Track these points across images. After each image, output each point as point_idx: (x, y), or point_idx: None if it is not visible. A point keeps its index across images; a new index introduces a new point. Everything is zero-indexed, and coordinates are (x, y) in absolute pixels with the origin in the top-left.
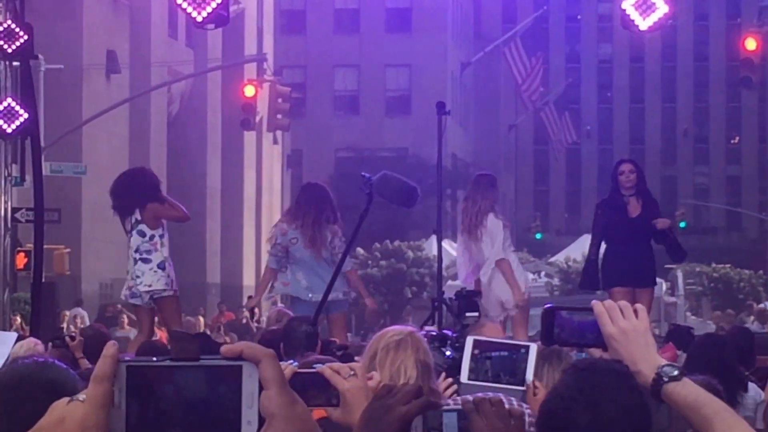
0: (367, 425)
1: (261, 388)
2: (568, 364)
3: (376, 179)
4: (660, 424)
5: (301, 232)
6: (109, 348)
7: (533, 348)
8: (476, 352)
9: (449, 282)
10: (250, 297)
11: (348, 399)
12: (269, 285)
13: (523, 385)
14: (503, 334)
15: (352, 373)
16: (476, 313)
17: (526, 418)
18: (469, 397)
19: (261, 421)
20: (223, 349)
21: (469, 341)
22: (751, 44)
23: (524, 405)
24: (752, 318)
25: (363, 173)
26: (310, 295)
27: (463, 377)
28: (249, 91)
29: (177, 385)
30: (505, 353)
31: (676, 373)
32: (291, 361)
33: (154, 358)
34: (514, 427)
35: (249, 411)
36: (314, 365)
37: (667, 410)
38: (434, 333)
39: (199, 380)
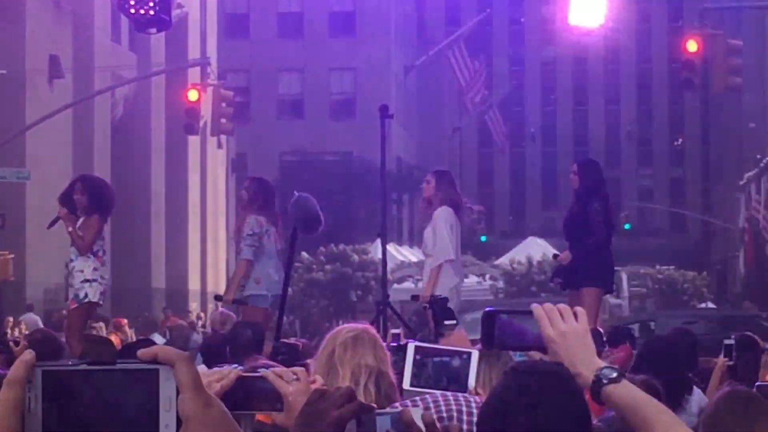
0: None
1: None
2: (506, 365)
3: (292, 201)
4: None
5: (273, 224)
6: (26, 354)
7: (475, 354)
8: (418, 357)
9: (395, 285)
10: (219, 296)
11: (291, 403)
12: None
13: (465, 391)
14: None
15: (295, 377)
16: (454, 321)
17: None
18: (417, 410)
19: (180, 424)
20: (139, 352)
21: (411, 347)
22: (692, 46)
23: (469, 401)
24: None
25: (295, 191)
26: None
27: (406, 383)
28: (192, 95)
29: (94, 389)
30: (447, 359)
31: (615, 375)
32: (236, 365)
33: (70, 362)
34: None
35: (166, 414)
36: (259, 369)
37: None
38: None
39: (116, 384)
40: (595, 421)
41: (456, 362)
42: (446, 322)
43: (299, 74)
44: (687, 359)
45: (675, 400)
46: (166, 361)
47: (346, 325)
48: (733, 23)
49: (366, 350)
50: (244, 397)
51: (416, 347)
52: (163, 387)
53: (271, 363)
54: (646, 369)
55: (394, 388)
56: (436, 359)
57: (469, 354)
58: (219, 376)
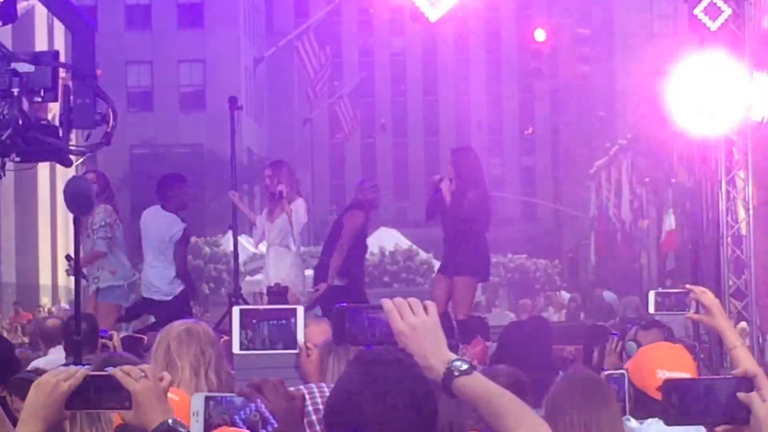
0: None
1: None
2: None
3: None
4: (449, 413)
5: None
6: None
7: (300, 310)
8: (244, 322)
9: (247, 278)
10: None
11: (140, 400)
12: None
13: (295, 348)
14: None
15: (143, 374)
16: None
17: (307, 400)
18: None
19: None
20: None
21: (236, 312)
22: (540, 35)
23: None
24: (551, 308)
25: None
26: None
27: (235, 348)
28: None
29: None
30: (274, 320)
31: (466, 367)
32: (82, 365)
33: None
34: (296, 408)
35: None
36: (106, 368)
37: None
38: None
39: None
40: None
41: (282, 321)
42: None
43: (148, 66)
44: (547, 346)
45: (542, 386)
46: None
47: (176, 321)
48: (581, 12)
49: (201, 341)
50: (93, 395)
51: (241, 311)
52: None
53: (126, 355)
54: (506, 358)
55: (231, 376)
56: (263, 321)
57: (294, 311)
58: (66, 376)
